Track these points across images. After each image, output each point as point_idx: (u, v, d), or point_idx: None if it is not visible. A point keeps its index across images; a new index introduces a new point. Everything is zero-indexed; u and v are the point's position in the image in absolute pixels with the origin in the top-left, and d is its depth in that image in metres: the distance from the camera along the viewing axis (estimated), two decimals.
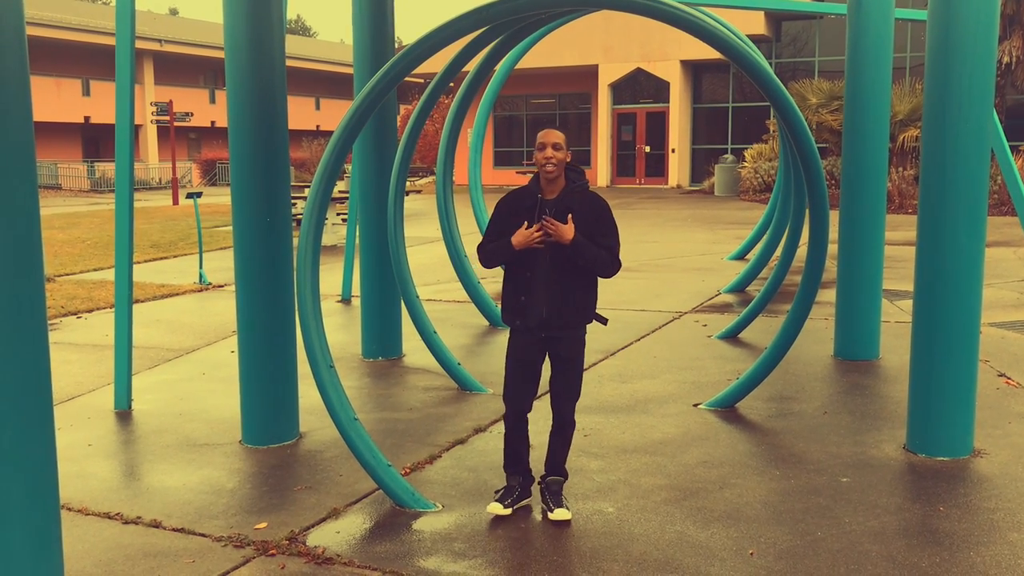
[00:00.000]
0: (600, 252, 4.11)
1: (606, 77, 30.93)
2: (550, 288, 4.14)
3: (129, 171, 5.93)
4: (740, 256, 13.30)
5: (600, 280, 4.28)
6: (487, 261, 4.29)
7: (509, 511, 4.33)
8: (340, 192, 15.99)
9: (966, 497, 4.51)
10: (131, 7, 5.79)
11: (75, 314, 9.77)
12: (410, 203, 22.63)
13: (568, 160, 4.17)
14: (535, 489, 4.48)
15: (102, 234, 18.22)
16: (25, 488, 3.17)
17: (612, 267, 4.17)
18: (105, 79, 42.17)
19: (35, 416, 3.20)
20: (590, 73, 31.27)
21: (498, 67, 11.45)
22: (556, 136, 4.10)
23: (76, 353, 7.95)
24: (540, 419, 4.81)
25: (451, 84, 7.02)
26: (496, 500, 4.37)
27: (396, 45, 7.68)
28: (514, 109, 33.86)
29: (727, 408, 6.05)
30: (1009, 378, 6.62)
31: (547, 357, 4.33)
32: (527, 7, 4.73)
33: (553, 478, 4.40)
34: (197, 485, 4.87)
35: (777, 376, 6.39)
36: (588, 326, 4.33)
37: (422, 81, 33.23)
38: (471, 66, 7.43)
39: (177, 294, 11.04)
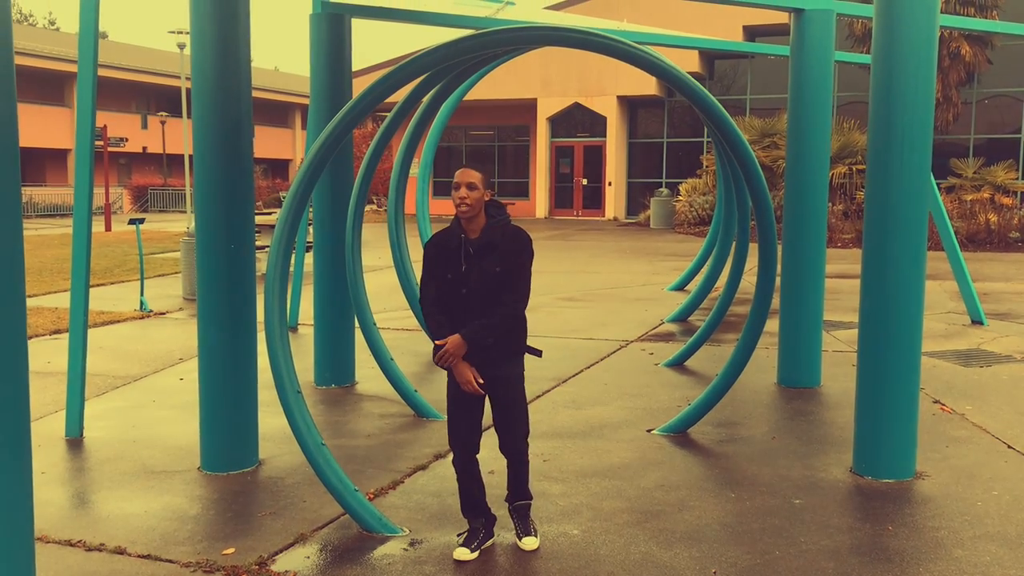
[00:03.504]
0: (495, 320, 4.05)
1: (544, 111, 31.38)
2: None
3: (88, 197, 5.89)
4: (680, 287, 13.60)
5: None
6: (426, 321, 4.23)
7: (476, 555, 4.26)
8: None
9: (912, 517, 4.74)
10: (94, 33, 5.79)
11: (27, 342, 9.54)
12: None
13: (488, 198, 4.12)
14: (502, 514, 4.52)
15: (32, 260, 17.79)
16: (1, 516, 3.16)
17: (516, 312, 4.10)
18: (32, 102, 41.26)
19: (13, 444, 3.19)
20: (529, 106, 31.70)
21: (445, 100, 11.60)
22: (471, 176, 4.04)
23: None
24: (494, 444, 4.80)
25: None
26: (461, 544, 4.30)
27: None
28: (453, 140, 34.07)
29: (679, 433, 6.22)
30: (944, 404, 6.94)
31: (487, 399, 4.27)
32: (499, 43, 4.89)
33: (520, 503, 4.44)
34: (159, 512, 4.83)
35: (725, 403, 6.57)
36: (526, 362, 4.30)
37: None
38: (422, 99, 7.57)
39: (118, 321, 10.86)
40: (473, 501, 4.35)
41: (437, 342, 4.09)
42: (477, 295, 4.08)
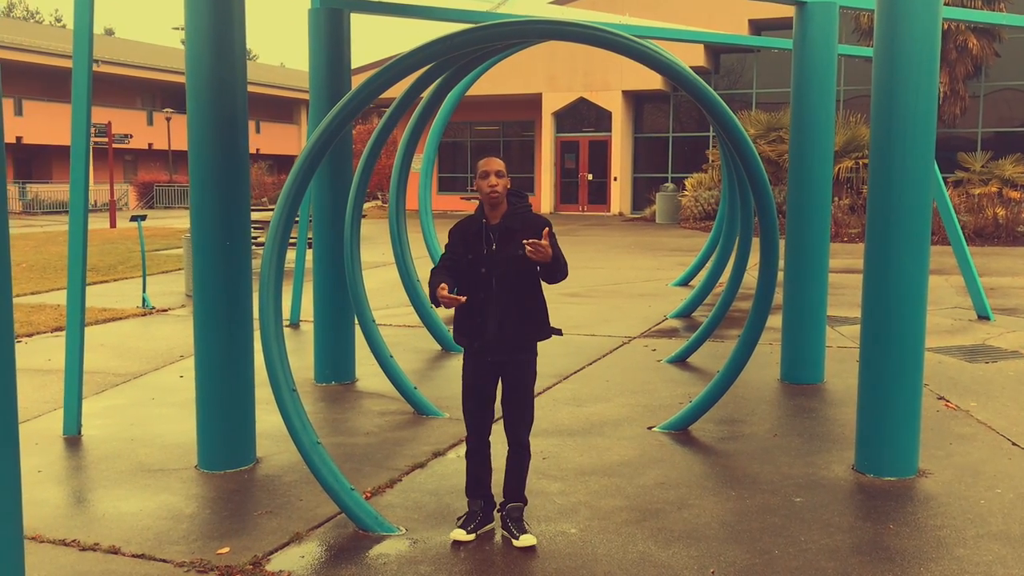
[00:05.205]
0: (564, 264, 4.24)
1: (550, 106, 31.30)
2: (502, 308, 4.22)
3: (84, 193, 5.86)
4: (684, 282, 13.54)
5: (548, 303, 4.36)
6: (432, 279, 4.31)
7: (472, 536, 4.34)
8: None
9: (914, 515, 4.68)
10: (89, 29, 5.75)
11: (15, 338, 9.53)
12: None
13: (509, 186, 4.29)
14: (496, 516, 4.50)
15: (37, 257, 17.82)
16: None
17: (566, 272, 4.27)
18: (38, 99, 41.30)
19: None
20: (534, 101, 31.62)
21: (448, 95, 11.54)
22: (498, 164, 4.25)
23: (19, 378, 7.74)
24: (498, 442, 4.83)
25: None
26: (459, 526, 4.38)
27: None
28: (459, 136, 34.02)
29: (680, 431, 6.17)
30: (948, 401, 6.87)
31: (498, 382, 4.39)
32: (499, 37, 4.83)
33: (513, 505, 4.42)
34: (155, 511, 4.80)
35: (727, 400, 6.52)
36: (540, 350, 4.39)
37: (372, 104, 33.24)
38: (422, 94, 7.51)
39: (120, 318, 10.85)
40: (478, 481, 4.43)
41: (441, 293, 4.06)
42: (500, 277, 4.19)
